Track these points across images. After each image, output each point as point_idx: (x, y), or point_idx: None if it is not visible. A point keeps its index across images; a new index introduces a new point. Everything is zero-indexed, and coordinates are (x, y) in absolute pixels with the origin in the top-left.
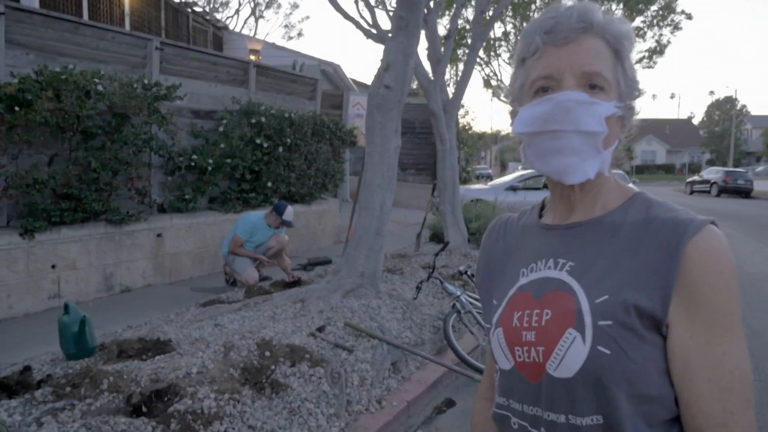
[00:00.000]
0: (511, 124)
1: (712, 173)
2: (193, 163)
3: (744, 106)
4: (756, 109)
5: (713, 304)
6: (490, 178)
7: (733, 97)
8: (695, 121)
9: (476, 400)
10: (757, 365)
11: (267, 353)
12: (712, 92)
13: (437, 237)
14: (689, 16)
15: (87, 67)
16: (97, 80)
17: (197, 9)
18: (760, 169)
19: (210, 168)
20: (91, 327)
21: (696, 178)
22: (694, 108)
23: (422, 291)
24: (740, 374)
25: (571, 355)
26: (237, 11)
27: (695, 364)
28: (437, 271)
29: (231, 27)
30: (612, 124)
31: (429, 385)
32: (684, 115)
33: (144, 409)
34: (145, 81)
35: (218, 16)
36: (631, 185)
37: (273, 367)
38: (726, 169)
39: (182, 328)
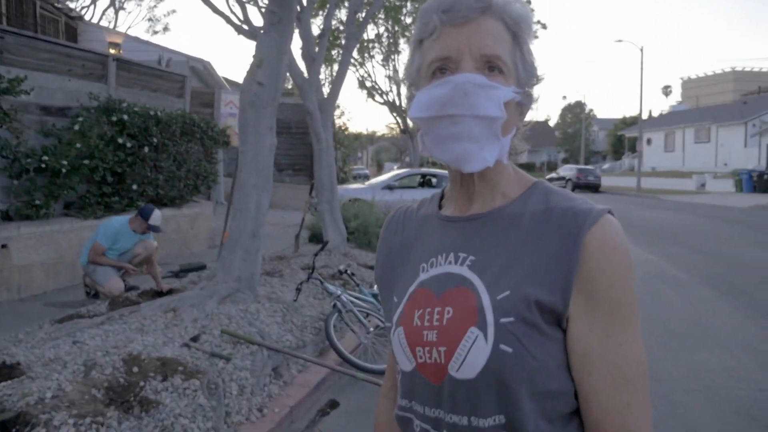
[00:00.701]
0: (408, 109)
1: (567, 171)
2: (43, 165)
3: (591, 110)
4: (601, 112)
5: (612, 297)
6: (367, 178)
7: (582, 102)
8: (551, 123)
9: (380, 400)
10: None
11: (135, 369)
12: (564, 96)
13: (316, 237)
14: (544, 26)
15: None
16: None
17: None
18: (606, 166)
19: (64, 170)
20: None
21: (553, 175)
22: (550, 111)
23: (302, 292)
24: (637, 365)
25: (473, 355)
26: (93, 1)
27: (594, 357)
28: (317, 271)
29: (87, 18)
30: (511, 110)
31: (312, 388)
32: (542, 117)
33: None
34: None
35: (72, 5)
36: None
37: (142, 383)
38: (578, 166)
39: (33, 348)
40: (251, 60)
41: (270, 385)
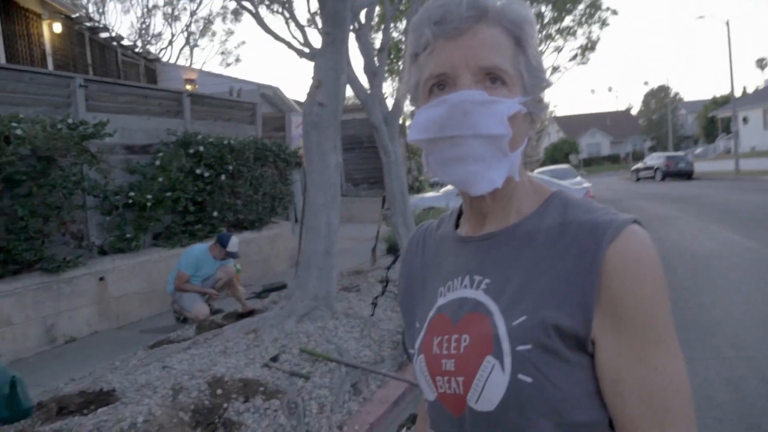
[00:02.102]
0: (409, 128)
1: (655, 159)
2: (131, 200)
3: (677, 93)
4: (688, 95)
5: (639, 317)
6: (443, 185)
7: (666, 85)
8: (634, 112)
9: (418, 421)
10: (709, 341)
11: (219, 391)
12: (646, 83)
13: (393, 249)
14: (615, 12)
15: (4, 112)
16: (15, 124)
17: (125, 43)
18: (698, 151)
19: (149, 203)
20: (24, 386)
21: (640, 165)
22: (631, 99)
23: (379, 306)
24: (675, 391)
25: (490, 386)
26: (170, 42)
27: (626, 384)
28: (392, 283)
29: (166, 58)
30: (518, 122)
31: (391, 403)
32: (623, 107)
33: None
34: (70, 120)
35: (152, 48)
36: (579, 178)
37: (225, 405)
38: (667, 154)
39: (127, 375)
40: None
41: (349, 402)
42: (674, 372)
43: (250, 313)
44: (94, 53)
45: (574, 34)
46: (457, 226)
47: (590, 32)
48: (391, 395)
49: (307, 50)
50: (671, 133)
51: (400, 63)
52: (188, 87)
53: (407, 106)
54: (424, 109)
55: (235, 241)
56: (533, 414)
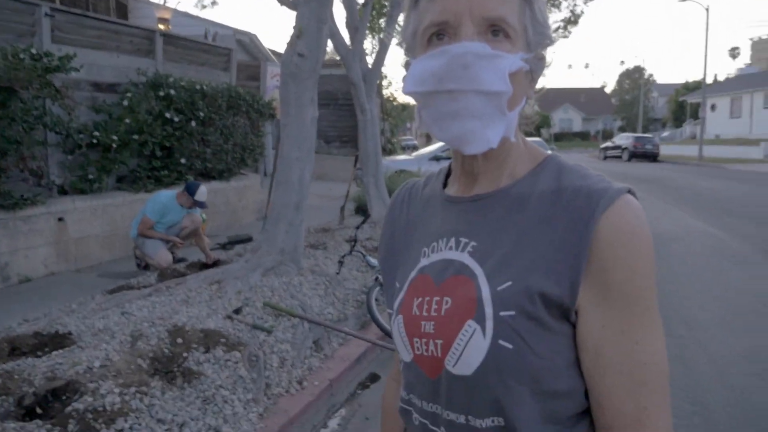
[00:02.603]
0: (404, 79)
1: (623, 139)
2: (95, 140)
3: (651, 75)
4: (662, 77)
5: (628, 289)
6: (415, 148)
7: (641, 66)
8: (608, 90)
9: (387, 380)
10: (664, 320)
11: (179, 340)
12: (622, 62)
13: (362, 209)
14: None
15: None
16: None
17: None
18: (666, 134)
19: (115, 145)
20: None
21: (609, 144)
22: (606, 77)
23: (345, 265)
24: (656, 366)
25: (470, 351)
26: None
27: (607, 356)
28: (360, 243)
29: None
30: (519, 79)
31: (352, 361)
32: (598, 84)
33: (38, 410)
34: (34, 51)
35: None
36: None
37: (185, 354)
38: (635, 135)
39: (85, 318)
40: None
41: (310, 358)
42: (655, 347)
43: (215, 264)
44: None
45: (558, 6)
46: (445, 185)
47: (575, 5)
48: (353, 354)
49: None
50: (641, 115)
51: (381, 21)
52: (161, 26)
53: (402, 57)
54: (422, 59)
55: (203, 191)
56: (511, 380)
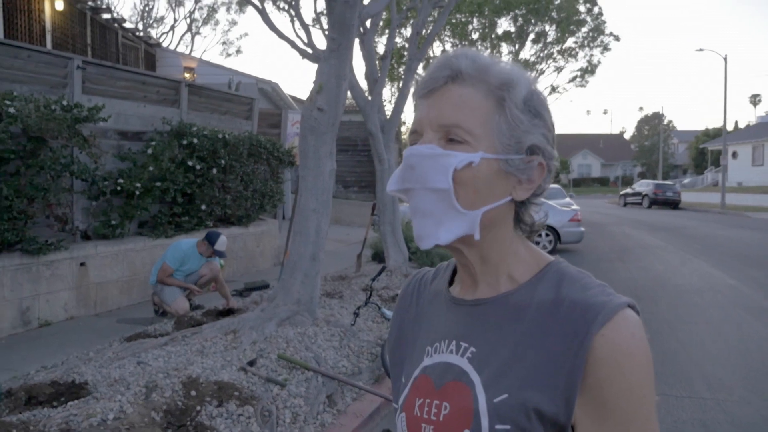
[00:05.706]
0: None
1: (644, 186)
2: (119, 187)
3: (671, 122)
4: (681, 124)
5: (624, 409)
6: None
7: (660, 113)
8: (627, 136)
9: None
10: (684, 379)
11: (193, 392)
12: (641, 108)
13: (379, 256)
14: (617, 38)
15: None
16: (8, 102)
17: (127, 25)
18: (687, 181)
19: (138, 192)
20: None
21: (629, 190)
22: (625, 123)
23: (360, 316)
24: None
25: None
26: (172, 27)
27: None
28: (377, 292)
29: (167, 44)
30: (481, 177)
31: (365, 417)
32: (616, 130)
33: None
34: (65, 102)
35: (153, 32)
36: (568, 200)
37: (198, 408)
38: (656, 182)
39: (101, 367)
40: (312, 85)
41: (323, 413)
42: None
43: (230, 311)
44: (94, 33)
45: (575, 56)
46: (452, 282)
47: (591, 55)
48: (366, 409)
49: (310, 51)
50: (661, 161)
51: (401, 69)
52: (187, 75)
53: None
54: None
55: (223, 240)
56: None
